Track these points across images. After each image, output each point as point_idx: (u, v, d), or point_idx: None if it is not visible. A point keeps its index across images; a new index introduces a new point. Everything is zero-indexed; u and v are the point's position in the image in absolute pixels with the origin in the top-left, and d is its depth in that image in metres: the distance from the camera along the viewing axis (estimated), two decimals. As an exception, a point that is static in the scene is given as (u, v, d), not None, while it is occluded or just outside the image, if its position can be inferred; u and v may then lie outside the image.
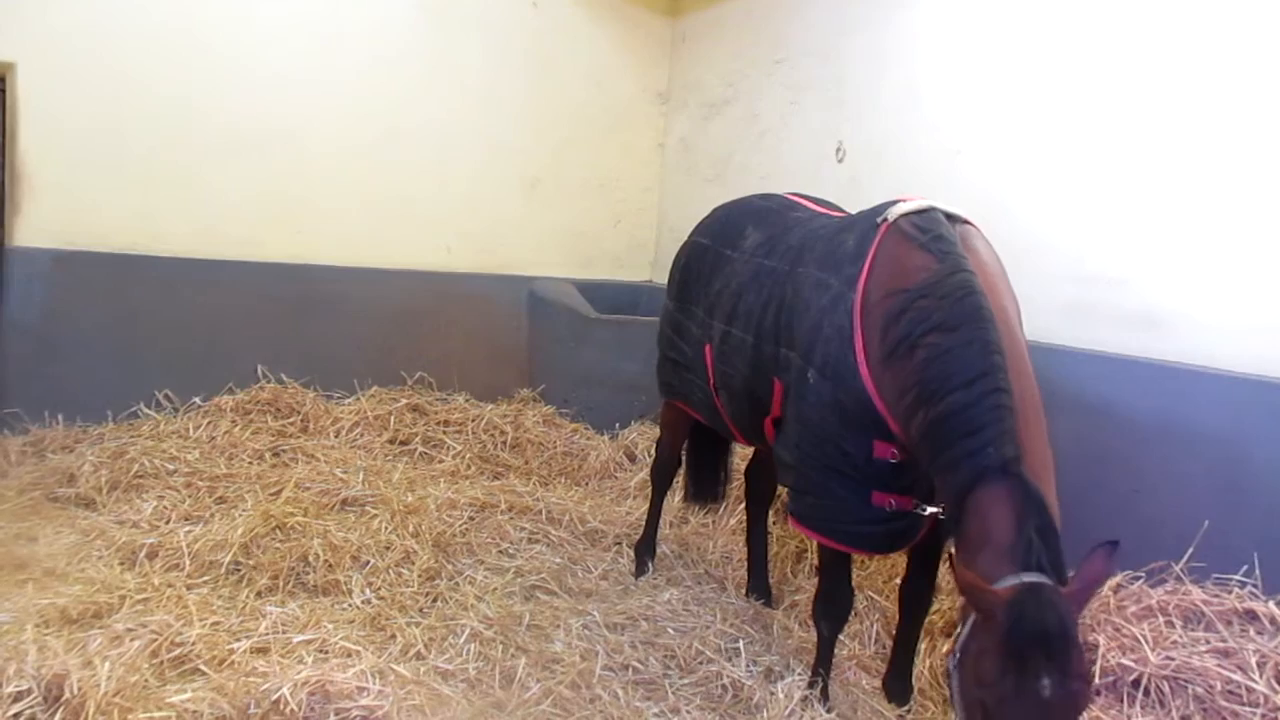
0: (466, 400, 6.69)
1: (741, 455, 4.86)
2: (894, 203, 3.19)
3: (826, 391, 3.08)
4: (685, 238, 4.36)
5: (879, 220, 3.15)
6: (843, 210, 3.91)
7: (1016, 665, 2.23)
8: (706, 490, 4.71)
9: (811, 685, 3.38)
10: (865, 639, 3.97)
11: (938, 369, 2.72)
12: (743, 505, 4.62)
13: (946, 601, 3.93)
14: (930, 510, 3.01)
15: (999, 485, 2.51)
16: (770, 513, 4.49)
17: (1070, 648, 2.24)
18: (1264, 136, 3.67)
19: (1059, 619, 2.25)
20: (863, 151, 5.69)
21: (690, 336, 4.05)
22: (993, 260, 3.05)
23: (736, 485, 4.84)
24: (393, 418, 6.23)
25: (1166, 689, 3.16)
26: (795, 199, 4.03)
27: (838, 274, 3.16)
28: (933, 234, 2.97)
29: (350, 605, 3.94)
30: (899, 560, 4.09)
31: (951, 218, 3.09)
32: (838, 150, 5.85)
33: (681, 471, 4.76)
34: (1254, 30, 3.71)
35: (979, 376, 2.64)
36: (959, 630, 2.48)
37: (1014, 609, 2.26)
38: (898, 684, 3.48)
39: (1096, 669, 3.30)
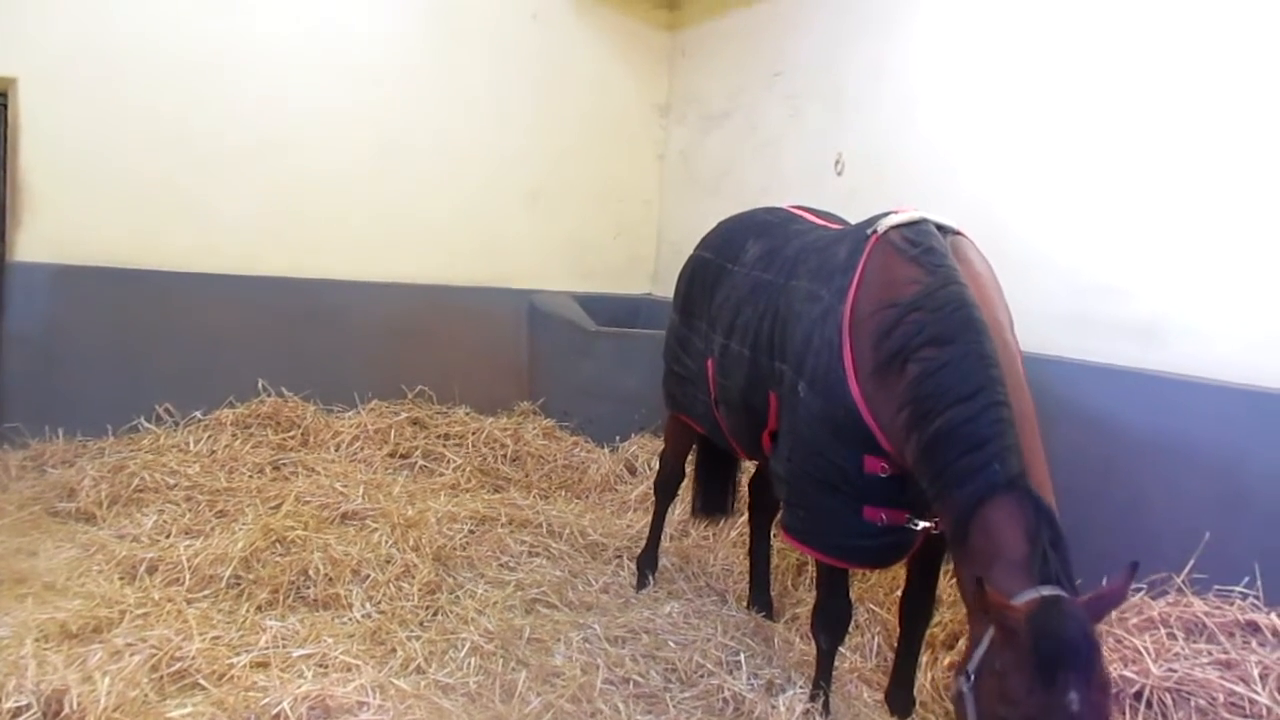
0: (467, 413, 6.68)
1: (746, 469, 4.85)
2: (886, 214, 3.19)
3: (816, 405, 3.07)
4: (685, 250, 4.36)
5: (869, 232, 3.15)
6: (845, 222, 3.91)
7: (1044, 681, 2.20)
8: (714, 505, 4.68)
9: (813, 698, 3.37)
10: (866, 651, 3.96)
11: (934, 384, 2.71)
12: (743, 518, 4.61)
13: (947, 614, 3.92)
14: (922, 525, 2.99)
15: (1008, 500, 2.49)
16: (773, 526, 4.48)
17: (1095, 658, 2.22)
18: (1261, 148, 3.68)
19: (1082, 630, 2.22)
20: (862, 163, 5.70)
21: (693, 350, 4.05)
22: (985, 271, 3.04)
23: (739, 498, 4.83)
24: (393, 431, 6.23)
25: (1169, 701, 3.14)
26: (798, 212, 4.04)
27: (828, 286, 3.16)
28: (923, 246, 2.96)
29: (350, 619, 3.94)
30: (899, 573, 4.07)
31: (943, 229, 3.08)
32: (836, 162, 5.86)
33: (686, 485, 4.75)
34: (1252, 41, 3.73)
35: (978, 390, 2.63)
36: (975, 649, 2.41)
37: (1036, 623, 2.24)
38: (899, 696, 3.46)
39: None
